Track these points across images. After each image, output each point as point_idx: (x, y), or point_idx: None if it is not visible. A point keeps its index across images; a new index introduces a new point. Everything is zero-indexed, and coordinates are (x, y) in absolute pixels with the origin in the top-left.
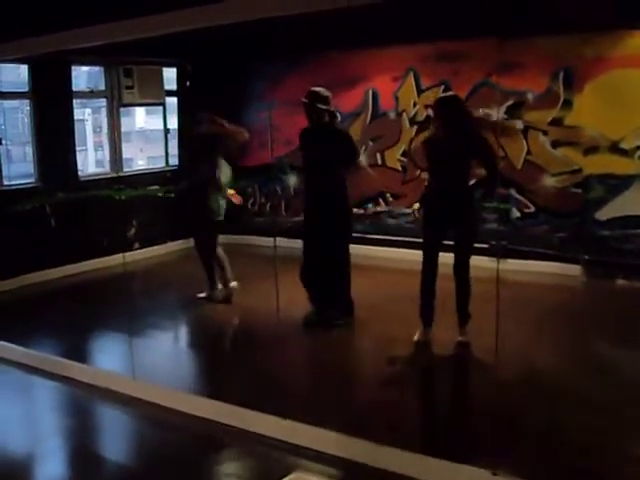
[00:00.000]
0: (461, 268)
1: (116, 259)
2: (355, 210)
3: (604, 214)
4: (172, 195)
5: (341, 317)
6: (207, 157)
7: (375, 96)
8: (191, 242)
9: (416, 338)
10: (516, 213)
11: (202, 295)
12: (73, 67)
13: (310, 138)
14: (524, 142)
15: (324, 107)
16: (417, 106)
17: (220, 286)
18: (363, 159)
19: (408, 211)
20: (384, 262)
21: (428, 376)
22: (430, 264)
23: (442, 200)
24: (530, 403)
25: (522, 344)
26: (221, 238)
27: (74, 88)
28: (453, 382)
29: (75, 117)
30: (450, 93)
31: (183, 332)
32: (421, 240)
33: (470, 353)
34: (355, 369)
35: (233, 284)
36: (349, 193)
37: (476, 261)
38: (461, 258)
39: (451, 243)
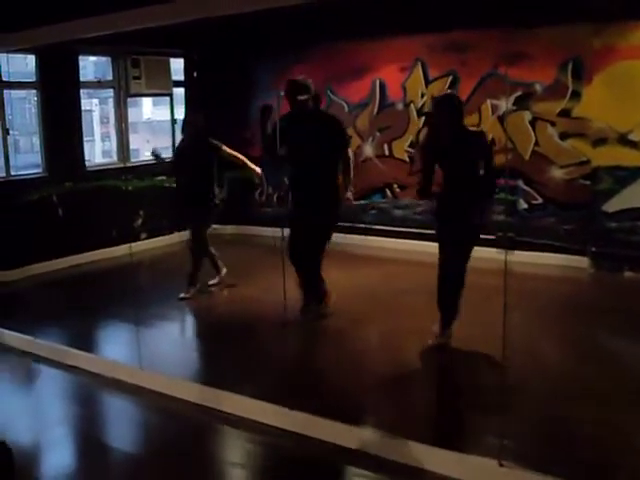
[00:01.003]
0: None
1: (123, 249)
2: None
3: (612, 206)
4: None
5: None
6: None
7: (382, 86)
8: None
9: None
10: (524, 205)
11: (184, 296)
12: (80, 57)
13: (295, 125)
14: (532, 133)
15: (304, 97)
16: (425, 97)
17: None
18: (366, 149)
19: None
20: (392, 253)
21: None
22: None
23: (452, 197)
24: (535, 394)
25: (529, 335)
26: (229, 228)
27: (81, 78)
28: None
29: (82, 107)
30: (447, 92)
31: (189, 322)
32: (432, 232)
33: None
34: (361, 362)
35: (224, 271)
36: (339, 183)
37: (483, 252)
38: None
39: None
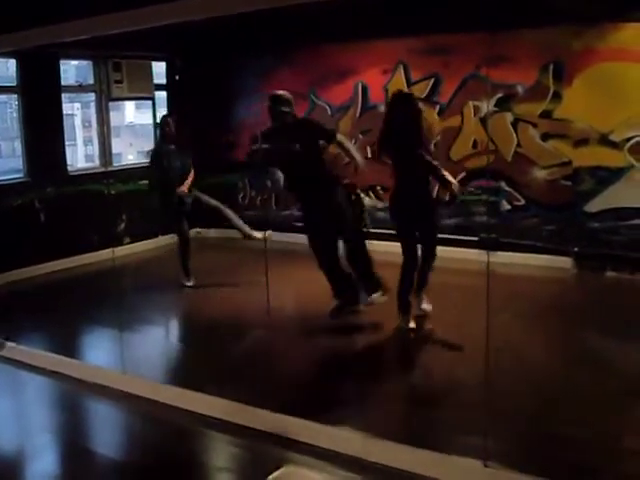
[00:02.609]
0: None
1: (106, 254)
2: None
3: (594, 206)
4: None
5: None
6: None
7: (365, 89)
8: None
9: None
10: (506, 206)
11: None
12: (62, 61)
13: (280, 136)
14: (514, 134)
15: (287, 109)
16: None
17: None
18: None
19: None
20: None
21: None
22: (409, 255)
23: (405, 193)
24: (519, 396)
25: (512, 336)
26: (212, 232)
27: (63, 82)
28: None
29: (64, 112)
30: (405, 91)
31: (173, 326)
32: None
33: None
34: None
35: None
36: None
37: (466, 254)
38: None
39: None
